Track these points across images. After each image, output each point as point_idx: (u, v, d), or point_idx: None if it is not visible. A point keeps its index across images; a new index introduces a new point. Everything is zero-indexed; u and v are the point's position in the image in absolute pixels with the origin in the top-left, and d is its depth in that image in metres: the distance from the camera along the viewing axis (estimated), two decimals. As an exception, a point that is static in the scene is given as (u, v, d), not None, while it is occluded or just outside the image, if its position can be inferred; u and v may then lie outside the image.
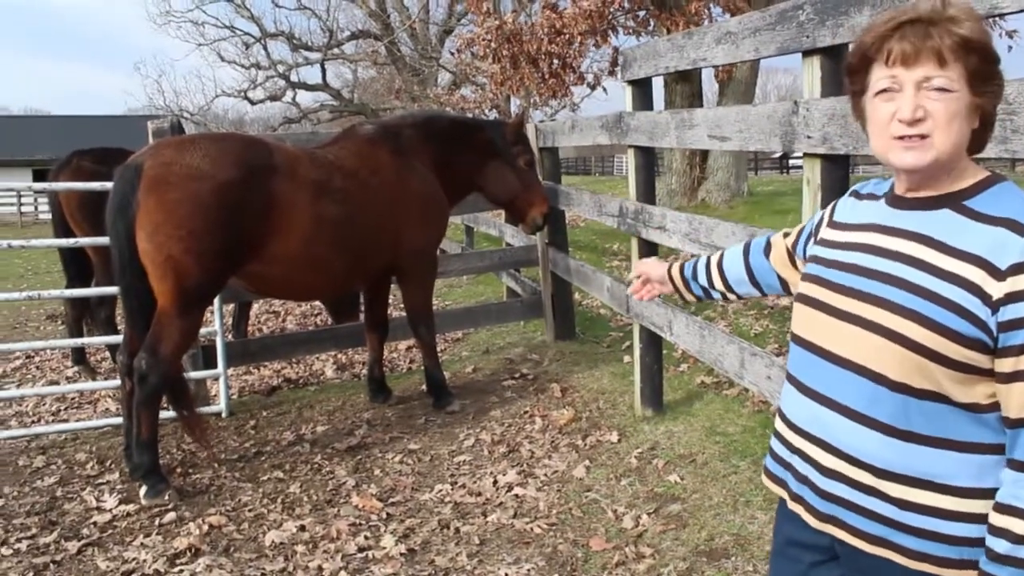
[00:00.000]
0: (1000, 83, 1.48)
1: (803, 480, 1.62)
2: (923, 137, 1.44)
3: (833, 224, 1.73)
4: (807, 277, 1.68)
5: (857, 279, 1.55)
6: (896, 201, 1.58)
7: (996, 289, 1.38)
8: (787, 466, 1.68)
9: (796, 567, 1.71)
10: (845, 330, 1.53)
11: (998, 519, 1.39)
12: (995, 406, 1.44)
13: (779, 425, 1.72)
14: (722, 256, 2.19)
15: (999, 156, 2.29)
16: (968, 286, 1.40)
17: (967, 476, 1.45)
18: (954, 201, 1.49)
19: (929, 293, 1.43)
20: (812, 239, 1.81)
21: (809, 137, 3.03)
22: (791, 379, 1.69)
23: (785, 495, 1.70)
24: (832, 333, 1.56)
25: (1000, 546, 1.38)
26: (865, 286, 1.52)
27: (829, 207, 1.80)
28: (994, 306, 1.38)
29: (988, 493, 1.44)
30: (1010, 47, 13.76)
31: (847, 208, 1.73)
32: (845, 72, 1.61)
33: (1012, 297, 1.37)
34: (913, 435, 1.46)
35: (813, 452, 1.59)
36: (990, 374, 1.42)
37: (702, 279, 2.21)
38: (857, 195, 1.73)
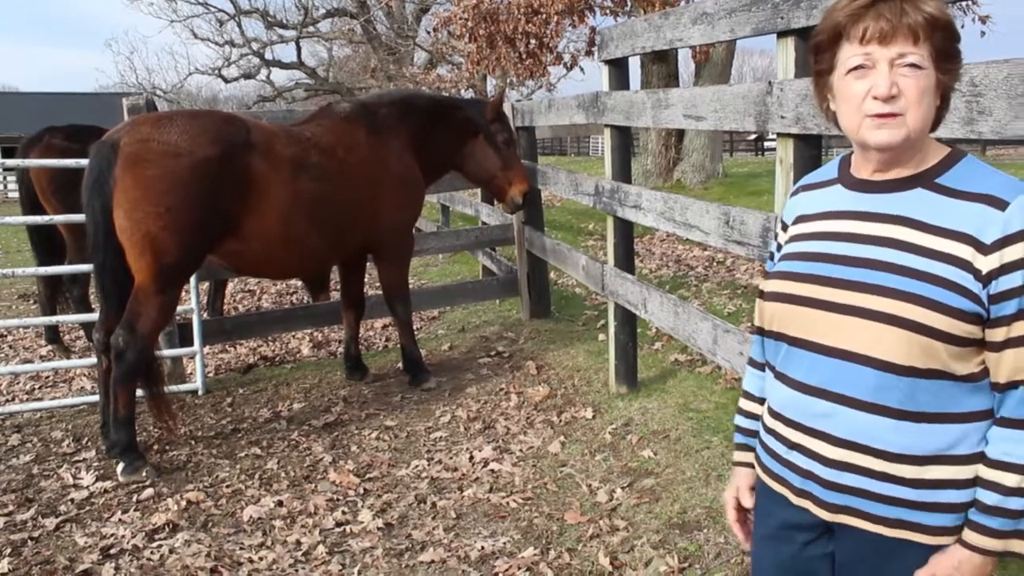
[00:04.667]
0: (961, 61, 1.52)
1: (807, 475, 1.60)
2: (896, 115, 1.46)
3: (787, 228, 1.74)
4: (778, 274, 1.66)
5: (842, 269, 1.54)
6: (862, 185, 1.59)
7: (984, 264, 1.43)
8: (787, 463, 1.65)
9: (789, 548, 1.70)
10: (842, 322, 1.52)
11: (988, 473, 1.46)
12: (987, 372, 1.49)
13: (771, 422, 1.69)
14: (746, 393, 1.90)
15: (965, 137, 2.33)
16: (959, 263, 1.44)
17: (970, 443, 1.49)
18: (925, 179, 1.51)
19: (923, 274, 1.45)
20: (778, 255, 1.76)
21: (783, 117, 3.07)
22: (779, 376, 1.66)
23: (788, 492, 1.67)
24: (826, 327, 1.54)
25: (990, 498, 1.45)
26: (855, 275, 1.52)
27: (778, 223, 1.81)
28: (984, 280, 1.43)
29: None
30: (983, 32, 13.85)
31: (797, 205, 1.73)
32: (811, 51, 1.61)
33: (1001, 270, 1.42)
34: (922, 415, 1.48)
35: (815, 446, 1.58)
36: (984, 344, 1.48)
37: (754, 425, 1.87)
38: (797, 192, 1.75)
